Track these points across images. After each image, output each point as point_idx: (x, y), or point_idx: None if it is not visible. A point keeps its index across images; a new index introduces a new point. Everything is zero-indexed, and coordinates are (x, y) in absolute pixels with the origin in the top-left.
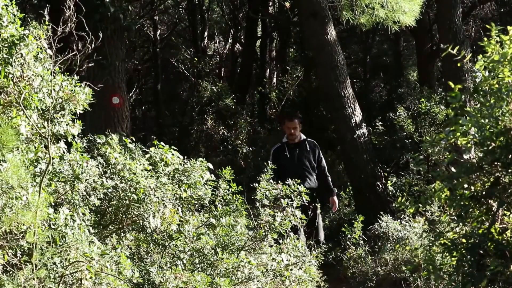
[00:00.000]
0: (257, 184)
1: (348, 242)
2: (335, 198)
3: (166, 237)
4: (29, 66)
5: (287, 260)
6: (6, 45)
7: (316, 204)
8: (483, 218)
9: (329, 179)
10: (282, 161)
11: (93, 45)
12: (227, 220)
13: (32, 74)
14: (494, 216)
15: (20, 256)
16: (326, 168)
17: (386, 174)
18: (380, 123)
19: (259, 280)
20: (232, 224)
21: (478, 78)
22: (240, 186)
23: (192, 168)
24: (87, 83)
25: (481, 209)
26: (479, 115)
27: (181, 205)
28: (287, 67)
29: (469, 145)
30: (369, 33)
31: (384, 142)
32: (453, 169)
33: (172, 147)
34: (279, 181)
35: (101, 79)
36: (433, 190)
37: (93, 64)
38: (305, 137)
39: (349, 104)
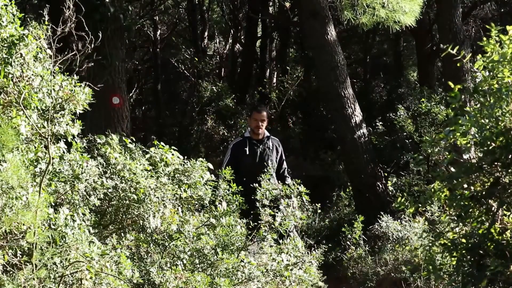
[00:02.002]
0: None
1: (348, 242)
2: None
3: (166, 237)
4: (29, 66)
5: (287, 260)
6: (5, 45)
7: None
8: (483, 218)
9: (289, 180)
10: (241, 158)
11: (93, 45)
12: (227, 220)
13: (32, 74)
14: (494, 216)
15: (20, 256)
16: (286, 169)
17: (386, 174)
18: (380, 123)
19: (259, 280)
20: (232, 224)
21: (478, 78)
22: (240, 186)
23: (192, 168)
24: (87, 83)
25: (481, 209)
26: (479, 115)
27: (181, 205)
28: (287, 67)
29: (469, 145)
30: (369, 33)
31: (384, 142)
32: (453, 169)
33: (172, 147)
34: (234, 179)
35: (101, 79)
36: (433, 190)
37: (93, 64)
38: (268, 134)
39: (349, 104)
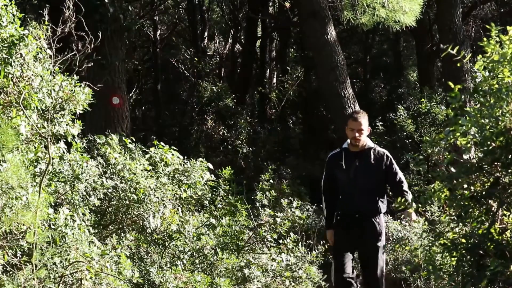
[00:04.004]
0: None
1: None
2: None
3: (166, 237)
4: (29, 66)
5: (287, 260)
6: (5, 45)
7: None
8: (483, 218)
9: (409, 197)
10: (337, 173)
11: (92, 45)
12: (227, 220)
13: (32, 74)
14: (494, 216)
15: (20, 256)
16: (404, 183)
17: None
18: (380, 123)
19: (259, 280)
20: (232, 224)
21: (478, 78)
22: (240, 187)
23: (192, 168)
24: (87, 83)
25: (481, 209)
26: (479, 115)
27: (181, 205)
28: (287, 67)
29: (469, 145)
30: (369, 33)
31: (384, 142)
32: (453, 169)
33: (172, 147)
34: (331, 199)
35: (101, 79)
36: (432, 190)
37: (92, 64)
38: (372, 145)
39: (349, 104)
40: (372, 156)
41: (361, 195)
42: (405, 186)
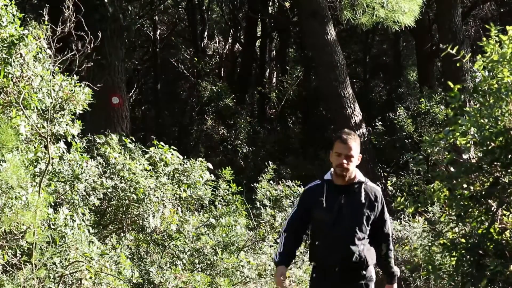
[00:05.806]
0: (257, 184)
1: None
2: (395, 286)
3: (165, 237)
4: (29, 66)
5: None
6: (5, 45)
7: None
8: (483, 218)
9: (392, 255)
10: (314, 212)
11: (92, 45)
12: (227, 220)
13: (32, 74)
14: (493, 216)
15: (20, 256)
16: (391, 235)
17: (386, 174)
18: (380, 123)
19: (259, 280)
20: (232, 224)
21: (477, 78)
22: (240, 186)
23: (192, 168)
24: (87, 83)
25: (480, 209)
26: (478, 115)
27: (181, 205)
28: (287, 67)
29: (468, 145)
30: (369, 33)
31: (384, 142)
32: (452, 169)
33: (172, 147)
34: (294, 242)
35: (101, 79)
36: (432, 190)
37: (92, 64)
38: (364, 179)
39: (348, 104)
40: (363, 194)
41: (346, 242)
42: (391, 243)
